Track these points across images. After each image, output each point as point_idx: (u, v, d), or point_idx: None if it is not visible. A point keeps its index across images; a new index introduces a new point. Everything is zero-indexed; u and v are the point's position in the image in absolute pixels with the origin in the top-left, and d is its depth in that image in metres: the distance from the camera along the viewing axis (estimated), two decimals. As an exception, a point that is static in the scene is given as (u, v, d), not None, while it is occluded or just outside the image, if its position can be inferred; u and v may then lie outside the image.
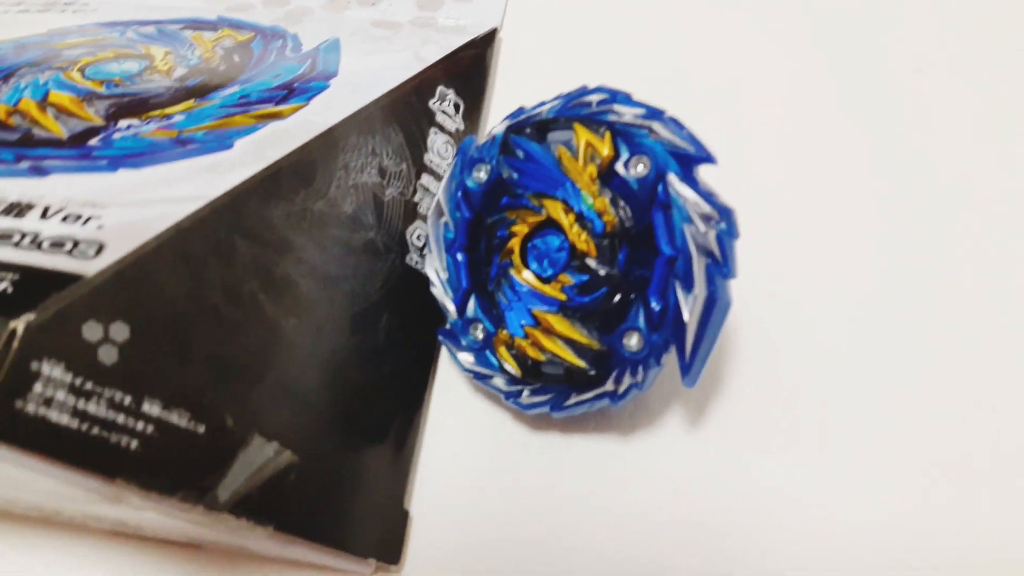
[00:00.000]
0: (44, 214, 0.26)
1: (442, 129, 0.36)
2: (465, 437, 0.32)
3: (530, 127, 0.29)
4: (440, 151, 0.35)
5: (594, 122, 0.28)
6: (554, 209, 0.28)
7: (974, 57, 0.39)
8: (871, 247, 0.34)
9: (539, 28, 0.42)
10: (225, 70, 0.35)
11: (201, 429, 0.25)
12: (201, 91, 0.33)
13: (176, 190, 0.27)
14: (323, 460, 0.28)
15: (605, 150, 0.27)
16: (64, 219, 0.26)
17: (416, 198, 0.34)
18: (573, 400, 0.29)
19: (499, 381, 0.30)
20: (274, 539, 0.26)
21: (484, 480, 0.31)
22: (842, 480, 0.29)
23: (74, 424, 0.22)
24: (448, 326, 0.31)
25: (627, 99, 0.28)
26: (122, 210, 0.26)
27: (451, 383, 0.33)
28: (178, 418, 0.24)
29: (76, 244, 0.24)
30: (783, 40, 0.40)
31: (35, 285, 0.23)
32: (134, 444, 0.23)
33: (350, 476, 0.29)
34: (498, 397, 0.31)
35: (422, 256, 0.33)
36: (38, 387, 0.21)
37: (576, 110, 0.29)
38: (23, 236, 0.25)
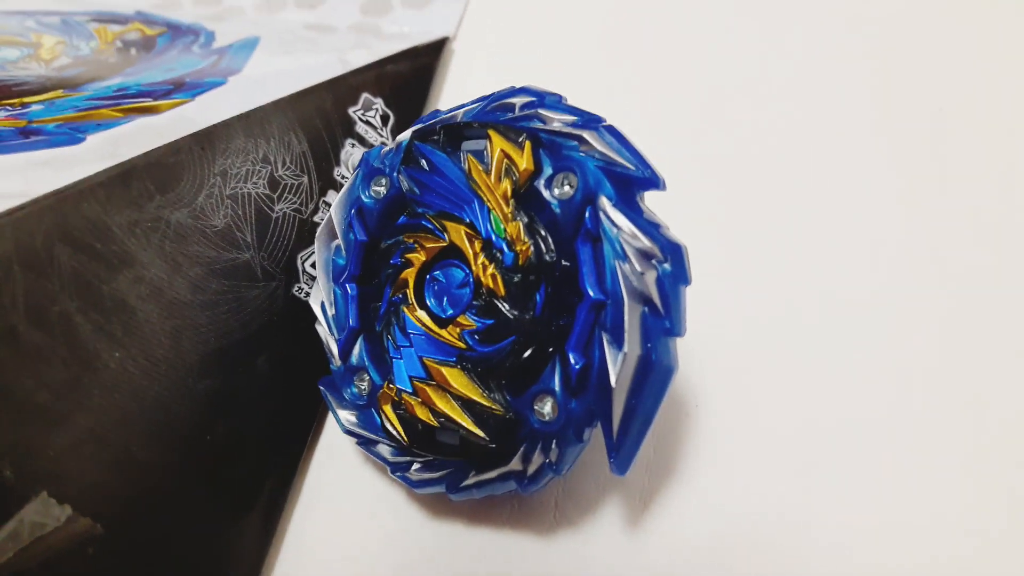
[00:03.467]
0: None
1: (362, 141, 0.30)
2: (347, 516, 0.26)
3: (440, 133, 0.23)
4: (354, 167, 0.30)
5: (515, 129, 0.22)
6: (457, 234, 0.22)
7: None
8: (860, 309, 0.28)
9: (498, 40, 0.37)
10: (114, 63, 0.30)
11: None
12: (73, 82, 0.28)
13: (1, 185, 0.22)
14: (147, 533, 0.22)
15: (523, 163, 0.21)
16: None
17: (317, 218, 0.28)
18: (472, 480, 0.22)
19: (384, 449, 0.24)
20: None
21: (363, 569, 0.24)
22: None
23: None
24: (331, 375, 0.25)
25: (557, 103, 0.23)
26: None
27: (339, 446, 0.27)
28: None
29: None
30: (752, 51, 0.35)
31: None
32: None
33: (178, 551, 0.23)
34: (390, 479, 0.25)
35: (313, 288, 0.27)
36: None
37: (496, 114, 0.23)
38: None
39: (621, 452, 0.21)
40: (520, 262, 0.21)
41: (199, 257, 0.24)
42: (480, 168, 0.22)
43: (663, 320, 0.20)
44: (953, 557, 0.23)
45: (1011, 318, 0.27)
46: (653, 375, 0.20)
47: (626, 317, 0.20)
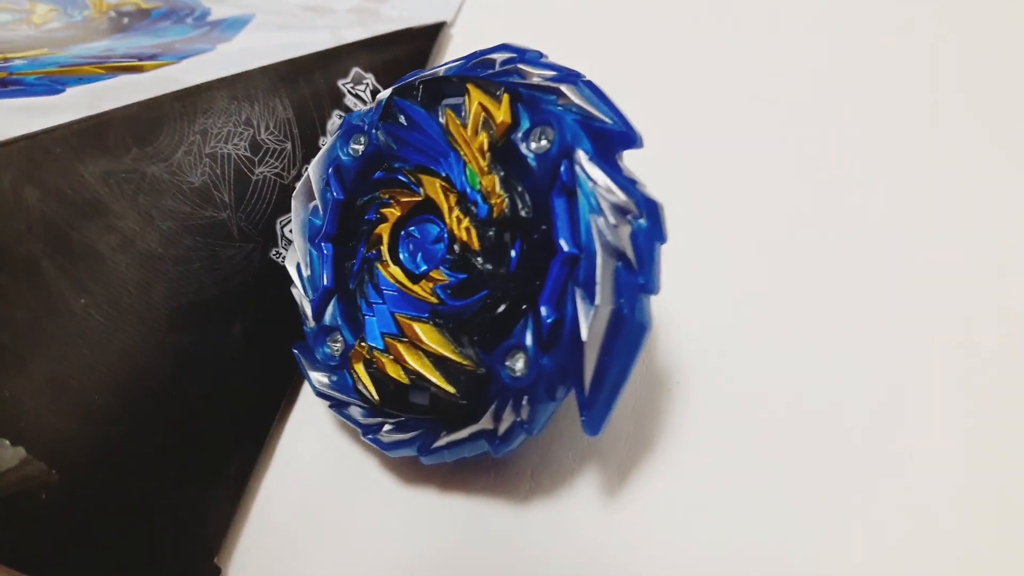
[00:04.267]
0: None
1: (348, 113, 0.30)
2: (316, 482, 0.25)
3: (420, 88, 0.23)
4: (342, 138, 0.30)
5: (493, 83, 0.22)
6: (432, 187, 0.22)
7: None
8: (846, 274, 0.27)
9: (496, 27, 0.37)
10: (104, 29, 0.30)
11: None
12: (60, 43, 0.28)
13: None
14: (102, 485, 0.21)
15: (501, 116, 0.21)
16: None
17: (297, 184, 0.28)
18: (444, 440, 0.22)
19: (356, 411, 0.23)
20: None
21: (333, 539, 0.24)
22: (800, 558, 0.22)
23: None
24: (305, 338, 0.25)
25: (537, 59, 0.22)
26: None
27: (314, 411, 0.26)
28: None
29: None
30: (751, 42, 0.34)
31: None
32: None
33: (139, 510, 0.22)
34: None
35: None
36: None
37: (476, 70, 0.23)
38: None
39: (593, 410, 0.20)
40: (495, 215, 0.21)
41: (174, 212, 0.24)
42: (457, 122, 0.22)
43: (637, 276, 0.20)
44: (930, 535, 0.22)
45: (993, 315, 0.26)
46: (625, 331, 0.20)
47: (599, 271, 0.20)
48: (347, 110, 0.30)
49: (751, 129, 0.32)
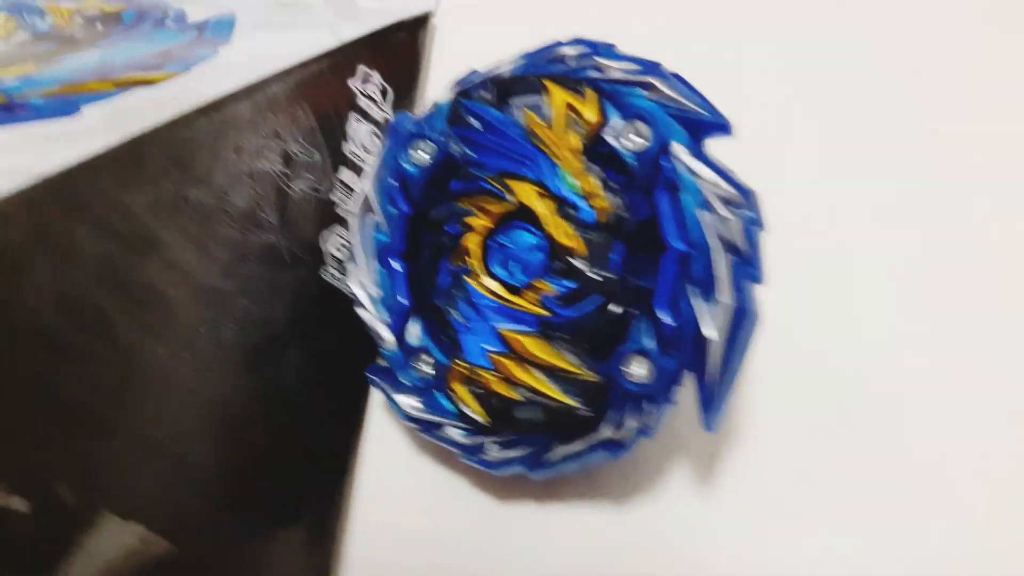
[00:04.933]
0: None
1: (365, 117, 0.28)
2: (408, 511, 0.24)
3: (491, 89, 0.22)
4: (364, 142, 0.28)
5: (574, 80, 0.21)
6: (525, 193, 0.21)
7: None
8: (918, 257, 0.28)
9: (480, 16, 0.35)
10: (83, 38, 0.27)
11: (25, 507, 0.16)
12: (45, 56, 0.25)
13: (-6, 162, 0.19)
14: (211, 549, 0.19)
15: (591, 115, 0.20)
16: None
17: (335, 197, 0.26)
18: (558, 454, 0.21)
19: (454, 432, 0.22)
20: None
21: (435, 568, 0.23)
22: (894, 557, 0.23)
23: None
24: (382, 361, 0.23)
25: (611, 51, 0.22)
26: None
27: (387, 439, 0.25)
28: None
29: None
30: (762, 28, 0.35)
31: None
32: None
33: (248, 569, 0.20)
34: (451, 455, 0.24)
35: (343, 269, 0.25)
36: None
37: (546, 67, 0.22)
38: None
39: (715, 405, 0.20)
40: (601, 219, 0.20)
41: (226, 239, 0.22)
42: (541, 123, 0.21)
43: (749, 267, 0.20)
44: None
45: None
46: (745, 324, 0.20)
47: (718, 267, 0.19)
48: (362, 112, 0.28)
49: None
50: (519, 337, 0.21)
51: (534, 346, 0.21)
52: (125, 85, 0.23)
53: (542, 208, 0.21)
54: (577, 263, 0.20)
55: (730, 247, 0.19)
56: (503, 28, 0.35)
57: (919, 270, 0.27)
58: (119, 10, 0.30)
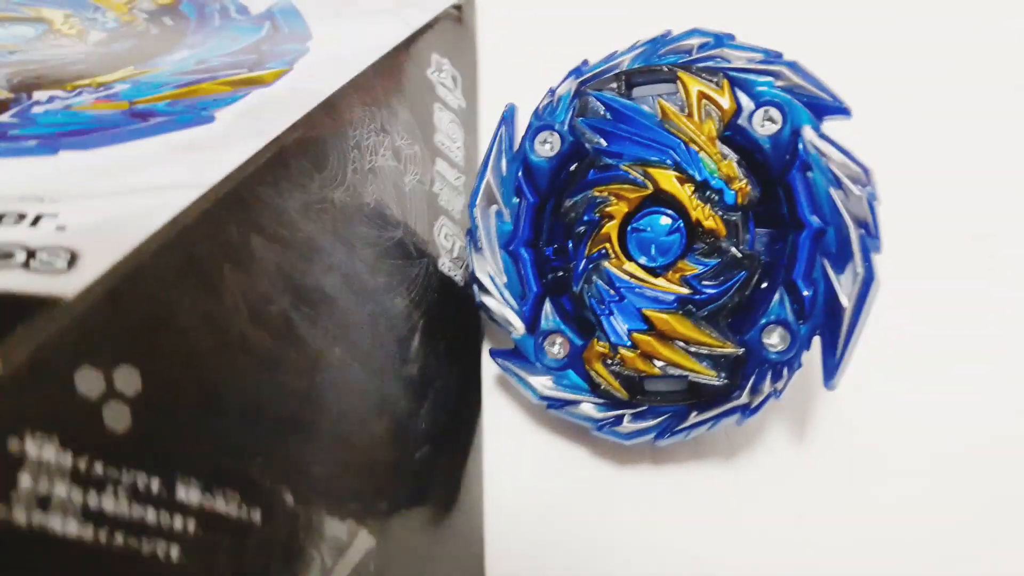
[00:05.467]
0: (-38, 214, 0.17)
1: (446, 105, 0.29)
2: (535, 484, 0.25)
3: (620, 80, 0.23)
4: (448, 132, 0.28)
5: (707, 69, 0.22)
6: (666, 179, 0.22)
7: None
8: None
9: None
10: (160, 34, 0.27)
11: (256, 516, 0.17)
12: (137, 57, 0.25)
13: (150, 176, 0.19)
14: (400, 537, 0.20)
15: (726, 102, 0.22)
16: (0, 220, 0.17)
17: (436, 188, 0.26)
18: (692, 420, 0.23)
19: (589, 408, 0.23)
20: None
21: (568, 532, 0.24)
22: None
23: (88, 534, 0.13)
24: (512, 345, 0.24)
25: (733, 41, 0.23)
26: (81, 204, 0.18)
27: (501, 419, 0.26)
28: (225, 503, 0.16)
29: (32, 254, 0.16)
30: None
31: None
32: (175, 553, 0.15)
33: (428, 555, 0.21)
34: (569, 430, 0.25)
35: (454, 261, 0.26)
36: (26, 480, 0.13)
37: (668, 57, 0.23)
38: (-62, 247, 0.16)
39: (840, 366, 0.22)
40: (740, 200, 0.21)
41: (366, 238, 0.22)
42: (675, 111, 0.22)
43: (873, 239, 0.21)
44: None
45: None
46: (871, 290, 0.21)
47: (853, 240, 0.21)
48: (442, 101, 0.29)
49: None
50: (663, 316, 0.22)
51: (678, 323, 0.22)
52: (240, 86, 0.23)
53: (683, 192, 0.22)
54: (723, 243, 0.22)
55: (858, 221, 0.21)
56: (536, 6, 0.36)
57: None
58: (172, 2, 0.29)
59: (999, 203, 0.29)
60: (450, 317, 0.25)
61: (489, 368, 0.26)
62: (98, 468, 0.14)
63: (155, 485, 0.15)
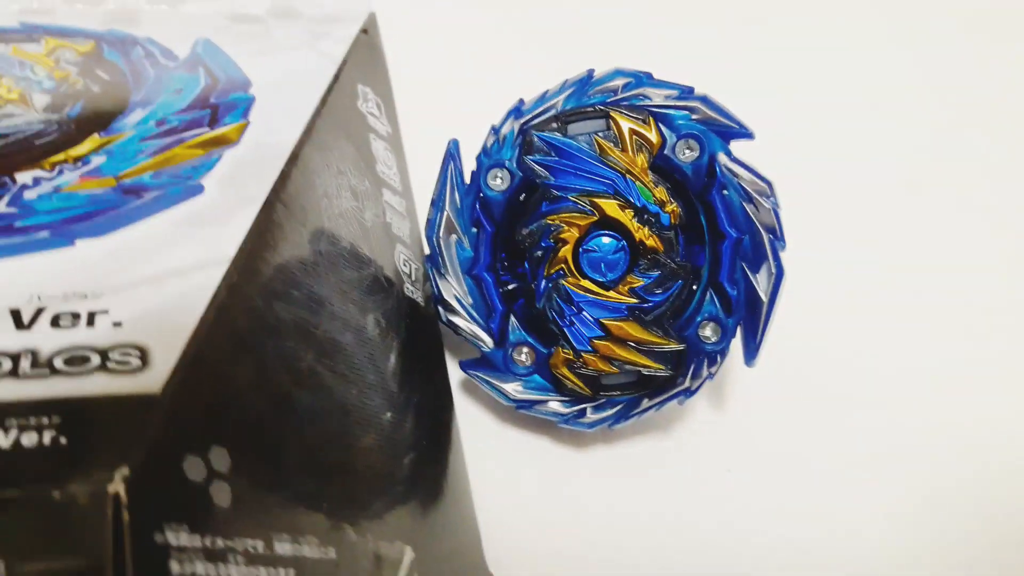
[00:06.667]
0: (18, 322, 0.18)
1: (378, 134, 0.31)
2: (513, 477, 0.28)
3: (558, 121, 0.26)
4: (385, 160, 0.30)
5: (634, 108, 0.26)
6: (611, 208, 0.25)
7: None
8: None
9: (409, 10, 0.38)
10: (103, 92, 0.27)
11: (333, 553, 0.19)
12: (96, 121, 0.25)
13: (174, 257, 0.21)
14: (423, 543, 0.23)
15: (653, 137, 0.25)
16: (56, 324, 0.18)
17: (388, 218, 0.29)
18: (643, 406, 0.27)
19: (556, 405, 0.27)
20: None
21: (546, 509, 0.28)
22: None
23: (226, 600, 0.16)
24: (474, 356, 0.27)
25: (652, 80, 0.26)
26: (124, 297, 0.19)
27: (472, 422, 0.29)
28: (309, 549, 0.19)
29: (105, 355, 0.17)
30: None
31: (87, 426, 0.16)
32: (286, 600, 0.17)
33: (442, 553, 0.24)
34: (532, 423, 0.28)
35: (413, 284, 0.28)
36: (175, 567, 0.15)
37: (597, 97, 0.26)
38: (15, 361, 0.17)
39: (758, 347, 0.26)
40: (673, 221, 0.25)
41: (351, 281, 0.25)
42: (612, 147, 0.25)
43: (781, 241, 0.26)
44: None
45: None
46: (782, 284, 0.26)
47: (766, 245, 0.25)
48: (374, 131, 0.31)
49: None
50: (618, 323, 0.26)
51: (631, 328, 0.26)
52: (210, 147, 0.24)
53: (625, 217, 0.25)
54: (661, 257, 0.26)
55: (769, 229, 0.26)
56: (438, 18, 0.38)
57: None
58: (92, 50, 0.29)
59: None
60: (418, 335, 0.28)
61: (453, 376, 0.29)
62: (220, 542, 0.16)
63: (259, 547, 0.17)
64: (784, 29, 0.40)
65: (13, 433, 0.15)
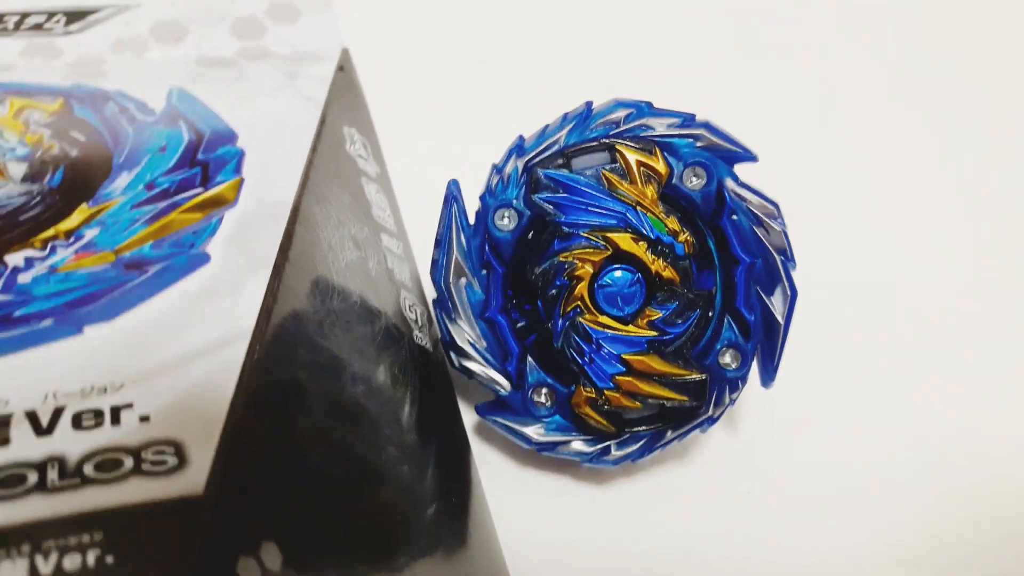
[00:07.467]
0: (37, 427, 0.17)
1: (368, 177, 0.30)
2: (536, 518, 0.28)
3: (563, 157, 0.25)
4: (378, 203, 0.29)
5: (639, 139, 0.25)
6: (624, 241, 0.25)
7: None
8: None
9: (382, 45, 0.37)
10: (83, 156, 0.25)
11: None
12: (81, 189, 0.24)
13: (191, 337, 0.20)
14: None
15: (661, 167, 0.25)
16: (79, 424, 0.17)
17: (390, 264, 0.28)
18: (668, 438, 0.26)
19: (579, 444, 0.26)
20: None
21: (570, 548, 0.27)
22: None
23: None
24: (487, 399, 0.27)
25: (653, 109, 0.26)
26: (145, 387, 0.18)
27: (490, 465, 0.28)
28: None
29: (138, 456, 0.16)
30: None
31: (132, 539, 0.15)
32: None
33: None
34: (550, 464, 0.28)
35: (421, 329, 0.28)
36: None
37: (601, 131, 0.26)
38: (42, 473, 0.16)
39: (776, 369, 0.26)
40: (688, 251, 0.25)
41: (364, 336, 0.24)
42: (620, 180, 0.25)
43: (792, 261, 0.26)
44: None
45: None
46: (795, 305, 0.26)
47: (779, 268, 0.25)
48: (365, 174, 0.30)
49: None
50: (639, 357, 0.25)
51: (653, 361, 0.25)
52: (208, 209, 0.23)
53: (639, 250, 0.25)
54: (678, 288, 0.25)
55: (780, 251, 0.25)
56: (409, 53, 0.37)
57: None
58: (61, 108, 0.28)
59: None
60: (432, 383, 0.27)
61: (467, 419, 0.29)
62: (283, 645, 0.15)
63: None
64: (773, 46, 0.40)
65: (54, 557, 0.14)
